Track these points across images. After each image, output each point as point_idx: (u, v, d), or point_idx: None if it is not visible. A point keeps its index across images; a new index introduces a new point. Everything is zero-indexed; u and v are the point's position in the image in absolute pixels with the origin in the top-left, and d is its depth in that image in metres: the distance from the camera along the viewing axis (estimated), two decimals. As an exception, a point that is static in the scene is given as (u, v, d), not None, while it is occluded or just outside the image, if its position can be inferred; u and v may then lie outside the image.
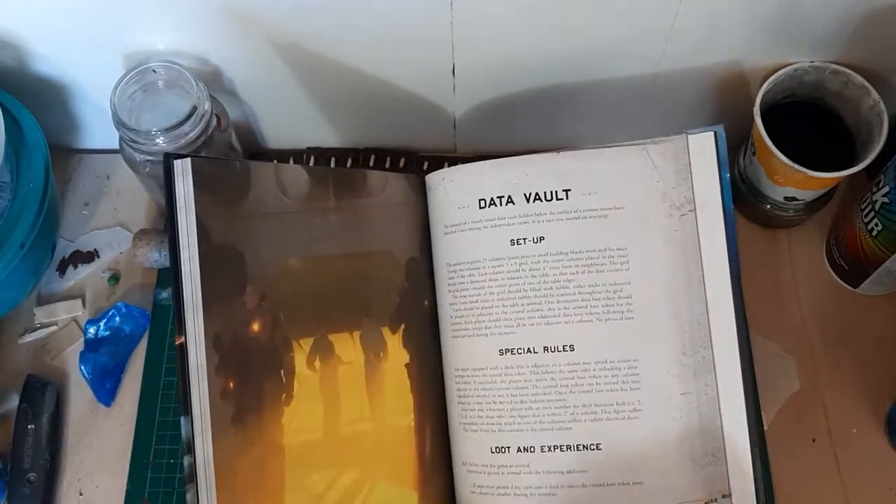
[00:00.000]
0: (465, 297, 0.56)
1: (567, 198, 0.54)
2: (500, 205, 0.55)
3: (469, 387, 0.55)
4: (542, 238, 0.54)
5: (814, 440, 0.62)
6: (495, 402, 0.54)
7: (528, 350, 0.54)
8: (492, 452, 0.54)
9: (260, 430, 0.51)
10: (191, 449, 0.49)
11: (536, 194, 0.55)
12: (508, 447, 0.53)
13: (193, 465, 0.49)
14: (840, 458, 0.61)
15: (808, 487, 0.60)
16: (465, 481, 0.55)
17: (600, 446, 0.52)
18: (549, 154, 0.55)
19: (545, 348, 0.53)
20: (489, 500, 0.54)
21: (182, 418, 0.49)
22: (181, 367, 0.49)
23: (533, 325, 0.54)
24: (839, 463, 0.61)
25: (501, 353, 0.54)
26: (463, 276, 0.56)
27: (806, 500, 0.60)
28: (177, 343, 0.49)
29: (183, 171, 0.51)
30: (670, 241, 0.53)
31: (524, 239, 0.55)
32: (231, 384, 0.50)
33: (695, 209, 0.53)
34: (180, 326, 0.49)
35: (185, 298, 0.50)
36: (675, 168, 0.53)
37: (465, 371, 0.55)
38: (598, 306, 0.53)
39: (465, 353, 0.56)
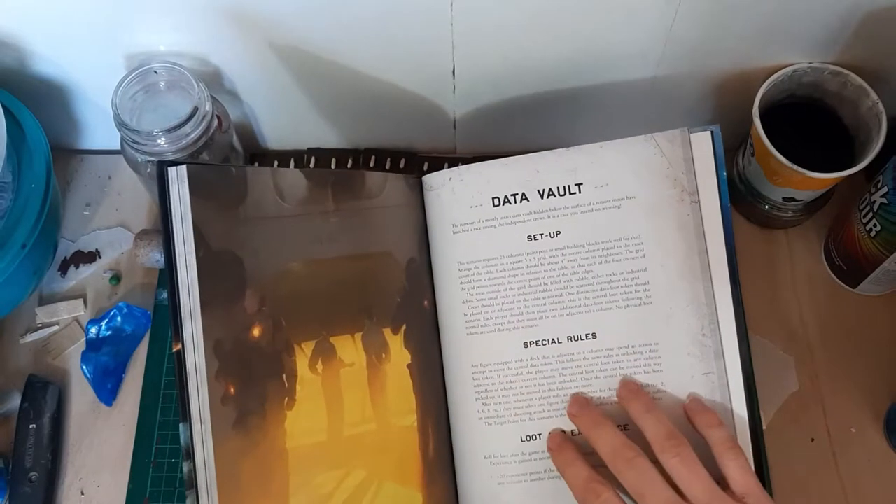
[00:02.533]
0: (483, 294, 0.56)
1: (580, 191, 0.55)
2: (515, 202, 0.56)
3: (491, 381, 0.55)
4: (558, 232, 0.55)
5: (812, 440, 0.62)
6: (522, 393, 0.54)
7: (553, 341, 0.54)
8: (522, 441, 0.54)
9: (263, 434, 0.51)
10: (190, 455, 0.48)
11: (549, 190, 0.55)
12: (539, 434, 0.54)
13: (193, 471, 0.48)
14: (839, 458, 0.61)
15: (807, 487, 0.61)
16: (489, 474, 0.55)
17: (627, 427, 0.52)
18: (559, 150, 0.56)
19: (569, 338, 0.54)
20: (521, 487, 0.54)
21: (181, 425, 0.48)
22: (179, 373, 0.49)
23: (555, 316, 0.54)
24: (838, 462, 0.61)
25: (526, 345, 0.54)
26: (479, 274, 0.56)
27: (804, 499, 0.60)
28: (174, 350, 0.49)
29: (178, 178, 0.51)
30: (684, 226, 0.54)
31: (540, 234, 0.55)
32: (232, 389, 0.50)
33: (699, 201, 0.54)
34: (177, 334, 0.49)
35: (181, 306, 0.49)
36: (683, 156, 0.54)
37: (487, 366, 0.55)
38: (618, 294, 0.54)
39: (484, 348, 0.56)
